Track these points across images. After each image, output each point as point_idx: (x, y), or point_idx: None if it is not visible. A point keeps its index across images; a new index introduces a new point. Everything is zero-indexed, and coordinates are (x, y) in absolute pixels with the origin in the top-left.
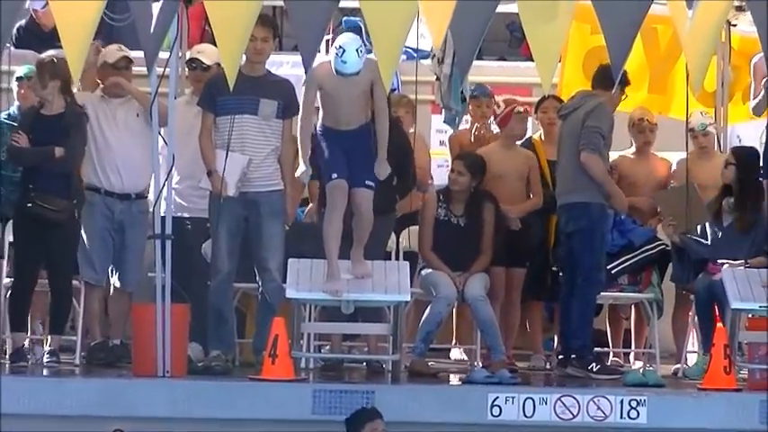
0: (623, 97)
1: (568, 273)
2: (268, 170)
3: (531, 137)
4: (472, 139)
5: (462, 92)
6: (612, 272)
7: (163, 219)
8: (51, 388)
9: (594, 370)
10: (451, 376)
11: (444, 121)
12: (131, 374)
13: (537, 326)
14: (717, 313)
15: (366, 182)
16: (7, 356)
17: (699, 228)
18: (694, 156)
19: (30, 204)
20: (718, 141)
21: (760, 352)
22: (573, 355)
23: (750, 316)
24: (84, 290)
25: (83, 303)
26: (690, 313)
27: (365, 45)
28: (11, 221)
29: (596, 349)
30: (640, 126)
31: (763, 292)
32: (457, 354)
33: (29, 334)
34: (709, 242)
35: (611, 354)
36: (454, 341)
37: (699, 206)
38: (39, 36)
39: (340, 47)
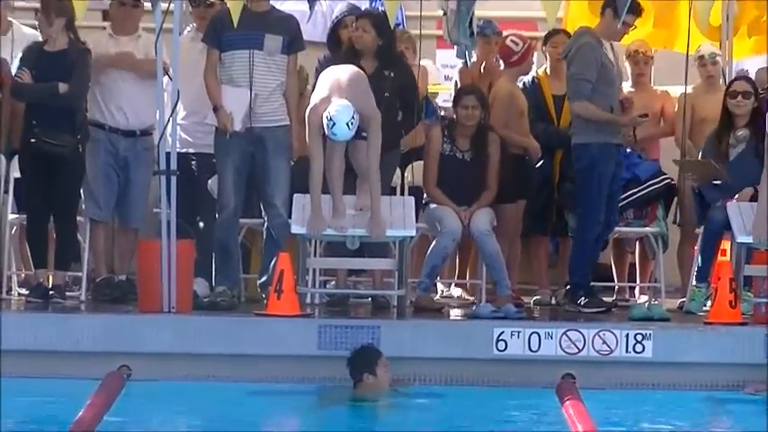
0: (632, 27)
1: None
2: (274, 105)
3: (536, 73)
4: (482, 73)
5: (470, 26)
6: (618, 206)
7: (167, 155)
8: (57, 324)
9: (582, 303)
10: (457, 311)
11: (456, 56)
12: (137, 310)
13: (542, 261)
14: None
15: (362, 133)
16: (15, 292)
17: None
18: (700, 89)
19: (33, 140)
20: (724, 76)
21: (765, 286)
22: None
23: (756, 250)
24: (90, 226)
25: (88, 240)
26: (696, 248)
27: (354, 118)
28: (16, 156)
29: (601, 284)
30: (635, 58)
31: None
32: (458, 292)
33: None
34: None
35: (617, 288)
36: (456, 277)
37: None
38: None
39: (330, 118)
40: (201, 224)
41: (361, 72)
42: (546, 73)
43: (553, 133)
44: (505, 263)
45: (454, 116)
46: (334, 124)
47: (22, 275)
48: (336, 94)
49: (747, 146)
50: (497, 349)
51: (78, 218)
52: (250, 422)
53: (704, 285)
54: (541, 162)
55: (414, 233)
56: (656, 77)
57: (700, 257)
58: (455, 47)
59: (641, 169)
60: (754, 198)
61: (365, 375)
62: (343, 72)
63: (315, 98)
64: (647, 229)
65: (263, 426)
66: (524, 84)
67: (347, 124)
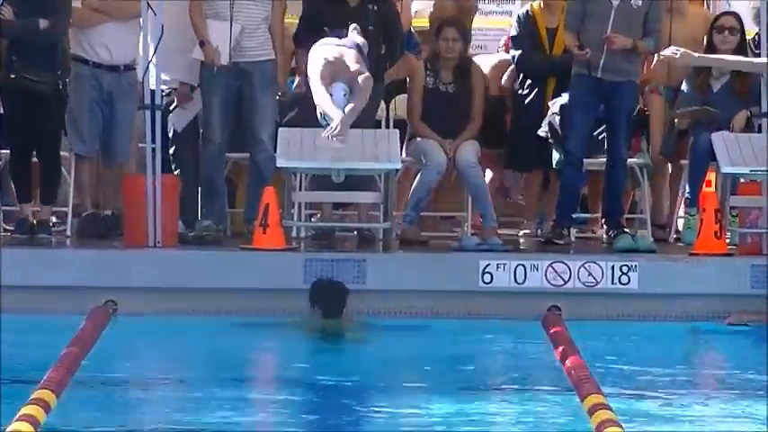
0: None
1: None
2: (260, 39)
3: (530, 6)
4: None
5: None
6: (599, 138)
7: (152, 91)
8: (42, 259)
9: (543, 239)
10: (442, 244)
11: None
12: (122, 245)
13: (531, 193)
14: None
15: None
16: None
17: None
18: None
19: (13, 76)
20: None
21: (751, 216)
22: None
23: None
24: (75, 162)
25: (73, 175)
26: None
27: None
28: None
29: (582, 215)
30: None
31: (754, 157)
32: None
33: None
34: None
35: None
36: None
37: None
38: None
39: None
40: None
41: (347, 47)
42: (540, 6)
43: (546, 63)
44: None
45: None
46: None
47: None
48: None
49: (731, 77)
50: (483, 281)
51: (63, 153)
52: (236, 355)
53: (695, 211)
54: (533, 95)
55: (398, 166)
56: None
57: (688, 185)
58: None
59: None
60: (749, 123)
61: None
62: (329, 53)
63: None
64: (633, 160)
65: (249, 359)
66: (518, 17)
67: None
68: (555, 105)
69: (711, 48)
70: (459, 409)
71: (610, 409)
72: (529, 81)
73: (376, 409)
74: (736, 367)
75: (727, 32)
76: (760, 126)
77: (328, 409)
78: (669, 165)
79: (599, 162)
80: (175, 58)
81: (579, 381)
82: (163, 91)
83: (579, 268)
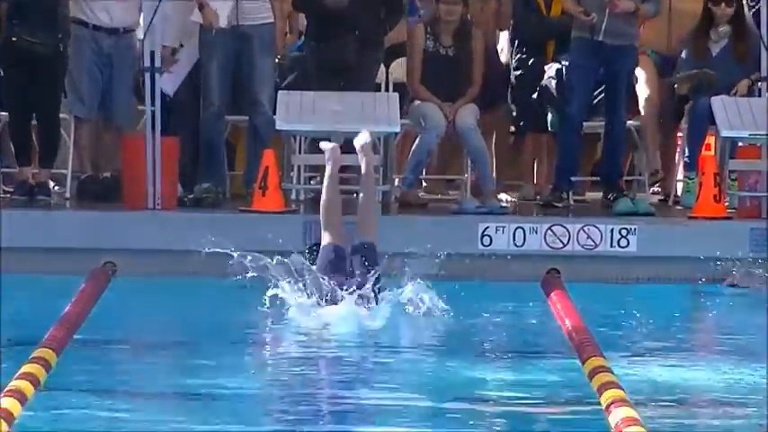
0: None
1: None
2: (259, 2)
3: None
4: None
5: None
6: (595, 102)
7: (152, 53)
8: (41, 221)
9: (542, 202)
10: (442, 207)
11: None
12: (122, 207)
13: (530, 157)
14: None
15: None
16: None
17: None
18: None
19: (14, 39)
20: None
21: (750, 180)
22: None
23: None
24: (74, 124)
25: (72, 137)
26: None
27: None
28: None
29: (574, 178)
30: None
31: (753, 120)
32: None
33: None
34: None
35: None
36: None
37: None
38: None
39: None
40: None
41: None
42: None
43: (543, 24)
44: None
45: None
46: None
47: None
48: None
49: (730, 41)
50: (482, 244)
51: (62, 116)
52: (235, 317)
53: (694, 174)
54: (533, 60)
55: (398, 129)
56: None
57: (687, 148)
58: None
59: None
60: (751, 90)
61: None
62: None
63: None
64: (631, 122)
65: (247, 321)
66: None
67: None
68: (551, 69)
69: (707, 17)
70: (456, 372)
71: (610, 371)
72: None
73: (370, 371)
74: (735, 330)
75: (723, 4)
76: (760, 90)
77: (325, 368)
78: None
79: (596, 125)
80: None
81: (580, 344)
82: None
83: (578, 231)
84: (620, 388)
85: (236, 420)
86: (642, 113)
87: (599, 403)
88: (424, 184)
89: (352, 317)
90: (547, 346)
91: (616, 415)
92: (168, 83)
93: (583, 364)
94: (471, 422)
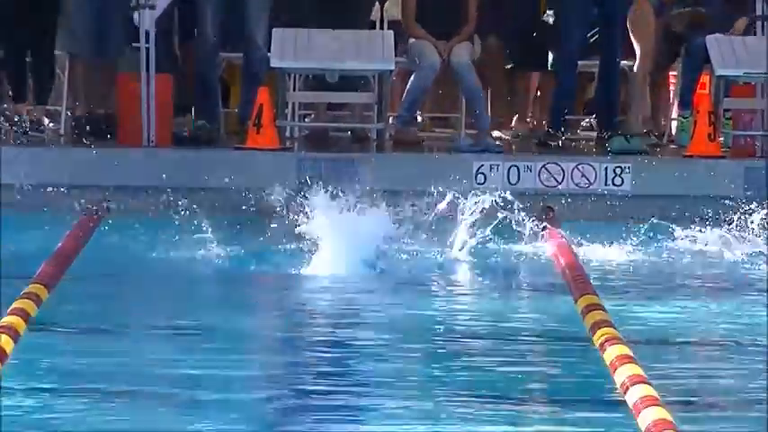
0: None
1: None
2: None
3: None
4: None
5: None
6: (591, 41)
7: None
8: (36, 158)
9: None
10: (436, 145)
11: None
12: (116, 144)
13: (528, 95)
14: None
15: None
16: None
17: None
18: None
19: None
20: None
21: (745, 119)
22: None
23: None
24: (68, 61)
25: (66, 74)
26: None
27: None
28: None
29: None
30: None
31: (748, 59)
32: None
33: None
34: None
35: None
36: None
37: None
38: None
39: None
40: None
41: None
42: None
43: None
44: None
45: None
46: None
47: None
48: None
49: None
50: (477, 182)
51: (57, 52)
52: (230, 253)
53: (688, 113)
54: None
55: (392, 67)
56: None
57: (682, 87)
58: None
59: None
60: (748, 30)
61: None
62: None
63: None
64: (625, 62)
65: (241, 256)
66: None
67: None
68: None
69: None
70: (448, 308)
71: (603, 309)
72: None
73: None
74: (728, 269)
75: None
76: (755, 29)
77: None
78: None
79: (591, 64)
80: None
81: (573, 281)
82: None
83: (572, 170)
84: (612, 326)
85: (232, 355)
86: (637, 53)
87: (592, 341)
88: (420, 120)
89: None
90: (539, 284)
91: (610, 353)
92: (146, 20)
93: (576, 301)
94: (463, 356)
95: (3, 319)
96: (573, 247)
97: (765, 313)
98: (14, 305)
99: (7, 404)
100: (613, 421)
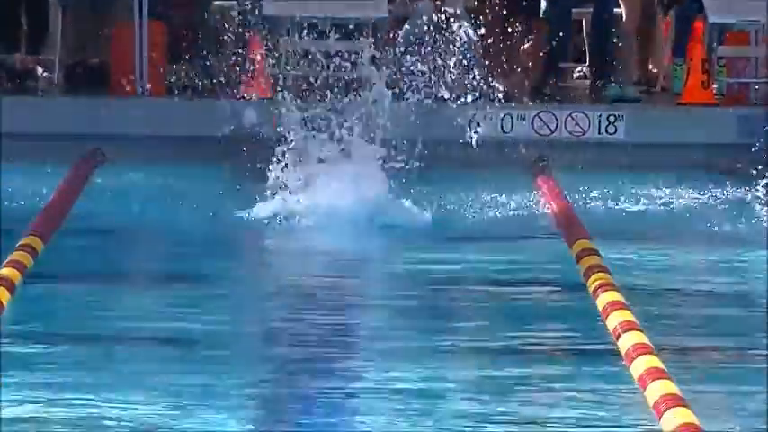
0: None
1: None
2: None
3: None
4: None
5: None
6: None
7: None
8: (30, 107)
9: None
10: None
11: None
12: (110, 93)
13: (519, 43)
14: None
15: None
16: None
17: None
18: None
19: None
20: None
21: (738, 66)
22: None
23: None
24: (61, 10)
25: (60, 24)
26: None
27: None
28: None
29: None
30: None
31: (743, 5)
32: None
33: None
34: None
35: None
36: None
37: None
38: None
39: None
40: None
41: None
42: None
43: None
44: None
45: None
46: None
47: None
48: None
49: None
50: (471, 131)
51: (50, 1)
52: (224, 202)
53: (682, 61)
54: None
55: (386, 14)
56: None
57: (675, 34)
58: None
59: None
60: None
61: None
62: None
63: None
64: (618, 10)
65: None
66: None
67: None
68: None
69: None
70: (445, 256)
71: (598, 254)
72: None
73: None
74: (722, 217)
75: None
76: None
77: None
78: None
79: (584, 11)
80: None
81: (567, 228)
82: None
83: (566, 118)
84: (606, 271)
85: (228, 301)
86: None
87: (586, 286)
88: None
89: None
90: (534, 231)
91: (603, 299)
92: None
93: (570, 247)
94: (461, 303)
95: None
96: (566, 194)
97: (764, 261)
98: (10, 257)
99: (4, 353)
100: (607, 371)
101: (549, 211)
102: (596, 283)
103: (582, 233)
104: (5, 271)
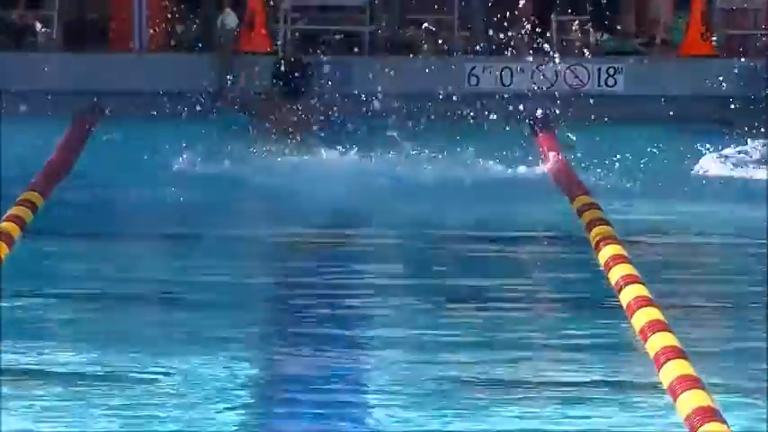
0: None
1: None
2: None
3: None
4: None
5: None
6: None
7: None
8: (29, 63)
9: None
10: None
11: None
12: (109, 50)
13: None
14: None
15: None
16: None
17: None
18: None
19: None
20: None
21: (738, 18)
22: None
23: None
24: None
25: None
26: None
27: None
28: None
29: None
30: None
31: None
32: None
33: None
34: None
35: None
36: None
37: None
38: None
39: None
40: None
41: None
42: None
43: None
44: None
45: None
46: None
47: None
48: None
49: None
50: (469, 84)
51: None
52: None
53: (682, 13)
54: None
55: None
56: None
57: None
58: None
59: None
60: None
61: None
62: None
63: None
64: None
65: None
66: None
67: None
68: None
69: None
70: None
71: (599, 208)
72: None
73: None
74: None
75: None
76: None
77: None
78: None
79: None
80: None
81: (567, 183)
82: None
83: (566, 71)
84: (607, 224)
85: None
86: None
87: (587, 240)
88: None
89: None
90: (534, 186)
91: (605, 252)
92: None
93: (571, 202)
94: (462, 251)
95: None
96: (566, 149)
97: (764, 216)
98: (10, 212)
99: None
100: (609, 323)
101: (548, 166)
102: (598, 235)
103: (581, 190)
104: (5, 225)
